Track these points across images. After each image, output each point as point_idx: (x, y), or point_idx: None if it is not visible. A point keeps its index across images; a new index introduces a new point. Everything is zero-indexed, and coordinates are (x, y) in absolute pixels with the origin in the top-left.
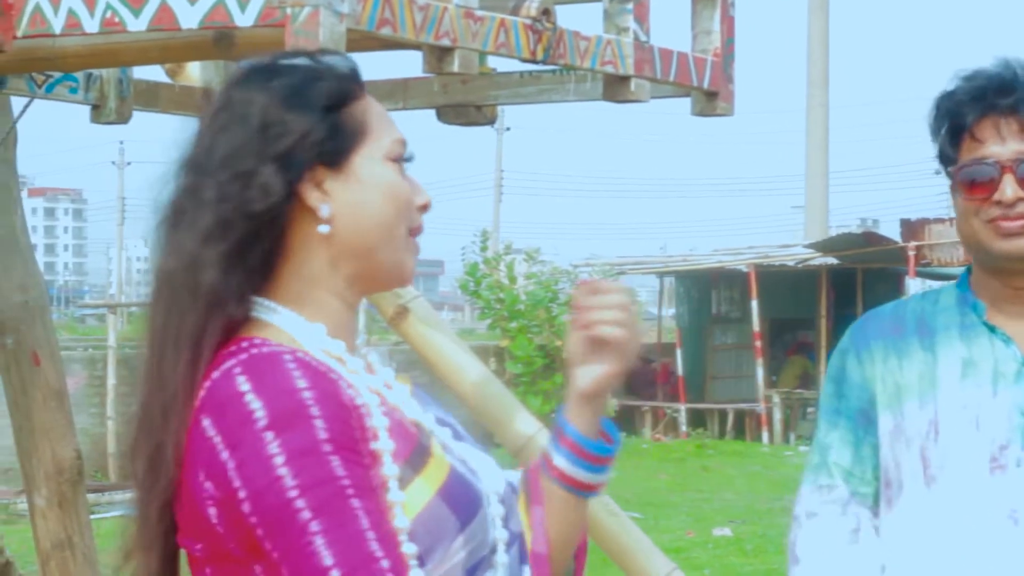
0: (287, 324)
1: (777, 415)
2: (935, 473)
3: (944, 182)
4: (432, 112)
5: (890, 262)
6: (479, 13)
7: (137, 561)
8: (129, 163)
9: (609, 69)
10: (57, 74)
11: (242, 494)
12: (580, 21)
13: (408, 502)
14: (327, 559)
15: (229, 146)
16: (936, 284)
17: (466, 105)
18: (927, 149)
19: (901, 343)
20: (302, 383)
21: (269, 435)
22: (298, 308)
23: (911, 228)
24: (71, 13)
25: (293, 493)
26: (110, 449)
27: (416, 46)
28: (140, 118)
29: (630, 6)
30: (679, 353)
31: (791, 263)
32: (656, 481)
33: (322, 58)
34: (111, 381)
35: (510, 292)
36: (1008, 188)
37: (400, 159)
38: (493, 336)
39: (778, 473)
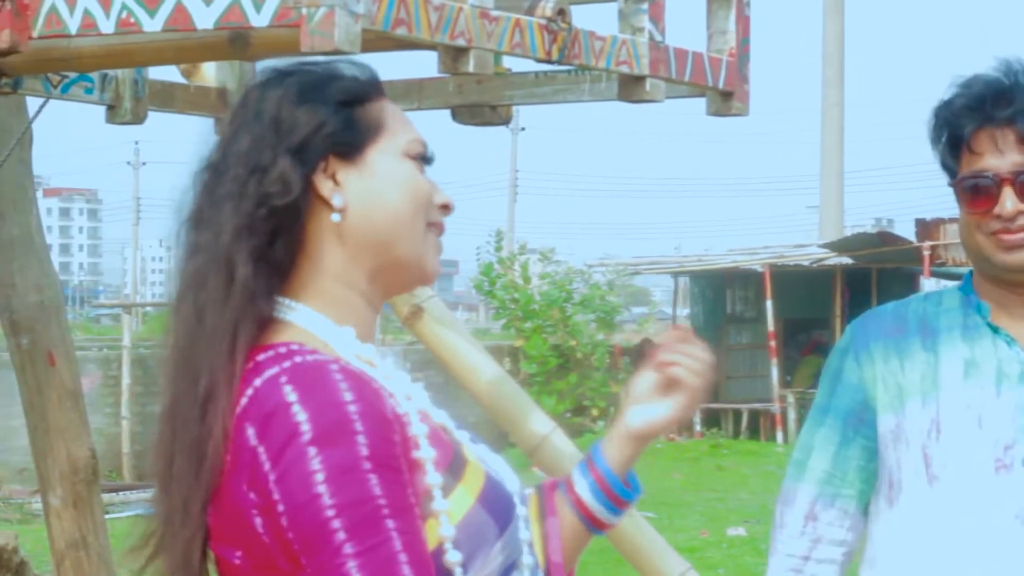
0: (317, 327)
1: (792, 415)
2: (937, 472)
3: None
4: (447, 112)
5: (905, 262)
6: (494, 13)
7: (166, 562)
8: (144, 163)
9: (624, 69)
10: (72, 74)
11: (281, 507)
12: (595, 21)
13: (452, 510)
14: None
15: (245, 142)
16: (951, 284)
17: (481, 105)
18: None
19: (903, 343)
20: (348, 396)
21: (312, 450)
22: (324, 308)
23: (926, 228)
24: (87, 13)
25: (330, 512)
26: (125, 449)
27: (431, 46)
28: (155, 118)
29: (645, 6)
30: None
31: (806, 263)
32: (670, 481)
33: (341, 62)
34: (126, 381)
35: (524, 292)
36: (1008, 202)
37: (418, 157)
38: (507, 336)
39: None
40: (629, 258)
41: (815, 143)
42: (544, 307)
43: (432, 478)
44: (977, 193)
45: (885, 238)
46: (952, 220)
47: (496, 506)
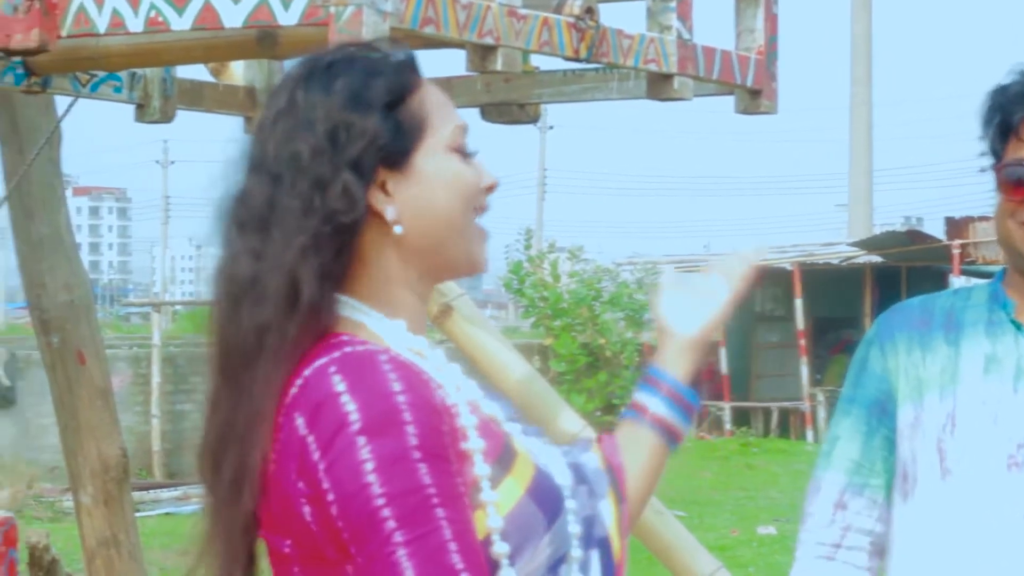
0: (370, 321)
1: (821, 413)
2: (951, 466)
3: (988, 180)
4: (476, 111)
5: (934, 260)
6: (522, 11)
7: (216, 553)
8: (173, 162)
9: (652, 67)
10: (101, 73)
11: (330, 497)
12: (623, 19)
13: (500, 501)
14: (408, 571)
15: (301, 151)
16: (982, 282)
17: (509, 104)
18: (972, 147)
19: (927, 336)
20: (397, 386)
21: (362, 439)
22: (376, 305)
23: (955, 226)
24: (115, 13)
25: (380, 501)
26: (155, 447)
27: (459, 45)
28: (184, 117)
29: (673, 4)
30: (723, 351)
31: (835, 261)
32: (701, 479)
33: (378, 51)
34: (155, 379)
35: (554, 290)
36: None
37: (462, 146)
38: (537, 334)
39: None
40: (658, 256)
41: (844, 141)
42: (573, 305)
43: (481, 469)
44: (1018, 181)
45: (914, 236)
46: (982, 218)
47: (545, 499)
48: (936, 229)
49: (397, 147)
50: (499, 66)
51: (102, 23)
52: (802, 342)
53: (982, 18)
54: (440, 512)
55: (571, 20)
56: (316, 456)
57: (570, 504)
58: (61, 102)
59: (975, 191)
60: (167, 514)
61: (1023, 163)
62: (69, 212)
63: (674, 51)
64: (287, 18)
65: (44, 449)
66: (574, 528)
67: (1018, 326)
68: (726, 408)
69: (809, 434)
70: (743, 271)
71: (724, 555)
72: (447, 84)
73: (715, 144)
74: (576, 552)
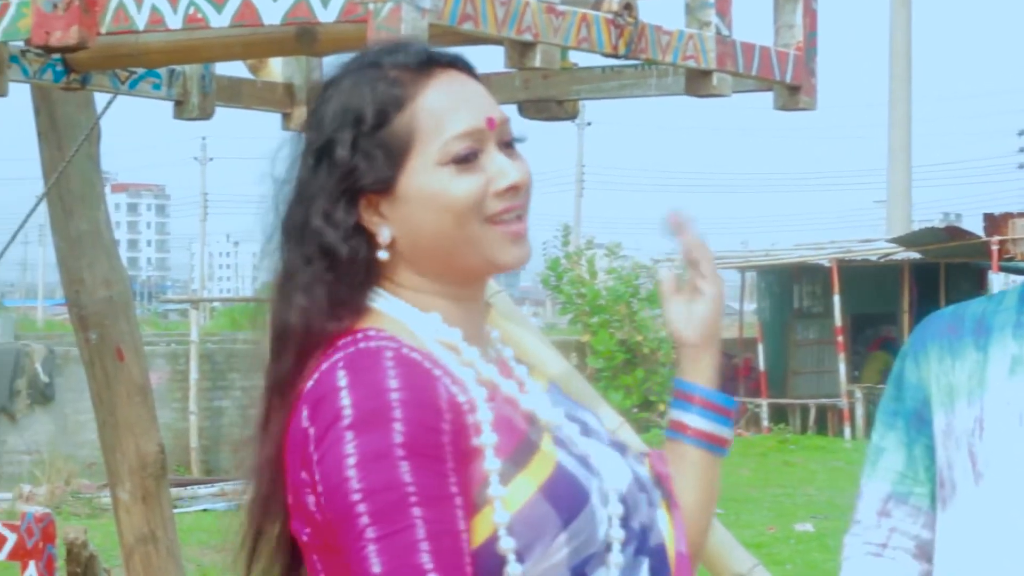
0: (401, 313)
1: (859, 410)
2: (982, 470)
3: None
4: (514, 107)
5: (973, 257)
6: (561, 8)
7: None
8: (211, 159)
9: (691, 63)
10: (140, 70)
11: (320, 488)
12: (662, 15)
13: (509, 497)
14: (375, 567)
15: (303, 179)
16: (1020, 279)
17: (548, 100)
18: (1011, 143)
19: (956, 343)
20: (393, 383)
21: (350, 434)
22: (408, 300)
23: (994, 222)
24: (154, 10)
25: (356, 496)
26: (192, 444)
27: (498, 41)
28: (222, 114)
29: (712, 0)
30: (761, 348)
31: (873, 258)
32: (738, 476)
33: (389, 55)
34: (193, 376)
35: (591, 287)
36: None
37: (459, 156)
38: (574, 331)
39: (860, 468)
40: None
41: (883, 137)
42: (611, 302)
43: (491, 464)
44: None
45: (953, 233)
46: (1021, 215)
47: (562, 498)
48: (975, 225)
49: (378, 175)
50: (537, 63)
51: (141, 20)
52: (840, 339)
53: (1022, 15)
54: (416, 511)
55: (610, 16)
56: (312, 447)
57: (614, 508)
58: (100, 99)
59: (1014, 187)
60: (204, 510)
61: None
62: (108, 209)
63: (713, 47)
64: (326, 15)
65: (82, 445)
66: (616, 532)
67: None
68: (763, 405)
69: (847, 431)
70: (704, 261)
71: (761, 552)
72: (485, 81)
73: (753, 140)
74: (617, 558)
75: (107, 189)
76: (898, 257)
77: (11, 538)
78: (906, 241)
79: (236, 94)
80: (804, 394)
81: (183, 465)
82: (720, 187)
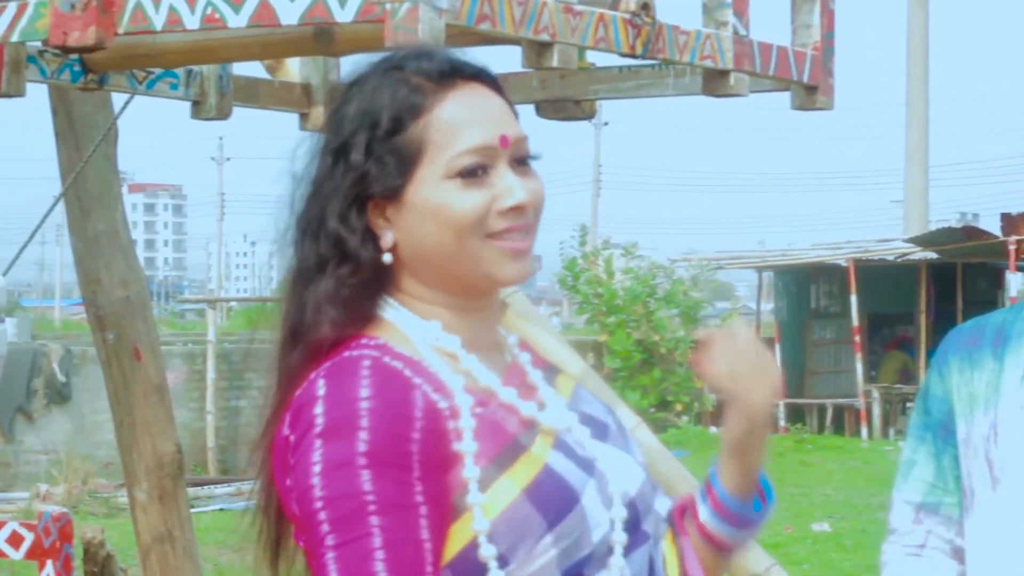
0: (401, 320)
1: (876, 410)
2: (999, 475)
3: None
4: (531, 107)
5: (990, 256)
6: (578, 8)
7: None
8: (228, 159)
9: (708, 63)
10: (158, 70)
11: (294, 495)
12: (679, 15)
13: (489, 503)
14: (332, 574)
15: (320, 177)
16: None
17: (565, 100)
18: None
19: (976, 354)
20: (365, 392)
21: (318, 442)
22: (412, 308)
23: (1011, 222)
24: (172, 10)
25: (318, 504)
26: (209, 443)
27: (515, 41)
28: (239, 114)
29: (729, 0)
30: (778, 348)
31: (890, 257)
32: None
33: (412, 60)
34: (210, 376)
35: (608, 287)
36: None
37: (469, 169)
38: (591, 331)
39: (877, 468)
40: (712, 253)
41: (900, 137)
42: (628, 302)
43: (469, 471)
44: None
45: (970, 232)
46: None
47: (547, 499)
48: (992, 225)
49: (386, 182)
50: (555, 63)
51: (159, 20)
52: (857, 338)
53: None
54: (375, 520)
55: (627, 16)
56: (290, 454)
57: (617, 512)
58: (117, 99)
59: None
60: (221, 510)
61: None
62: (125, 209)
63: (730, 47)
64: (343, 15)
65: (99, 445)
66: (619, 536)
67: None
68: (780, 405)
69: (864, 431)
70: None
71: (778, 552)
72: (502, 81)
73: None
74: (619, 561)
75: (124, 189)
76: (915, 257)
77: (28, 537)
78: (923, 241)
79: (253, 94)
80: (821, 394)
81: (200, 465)
82: (737, 187)
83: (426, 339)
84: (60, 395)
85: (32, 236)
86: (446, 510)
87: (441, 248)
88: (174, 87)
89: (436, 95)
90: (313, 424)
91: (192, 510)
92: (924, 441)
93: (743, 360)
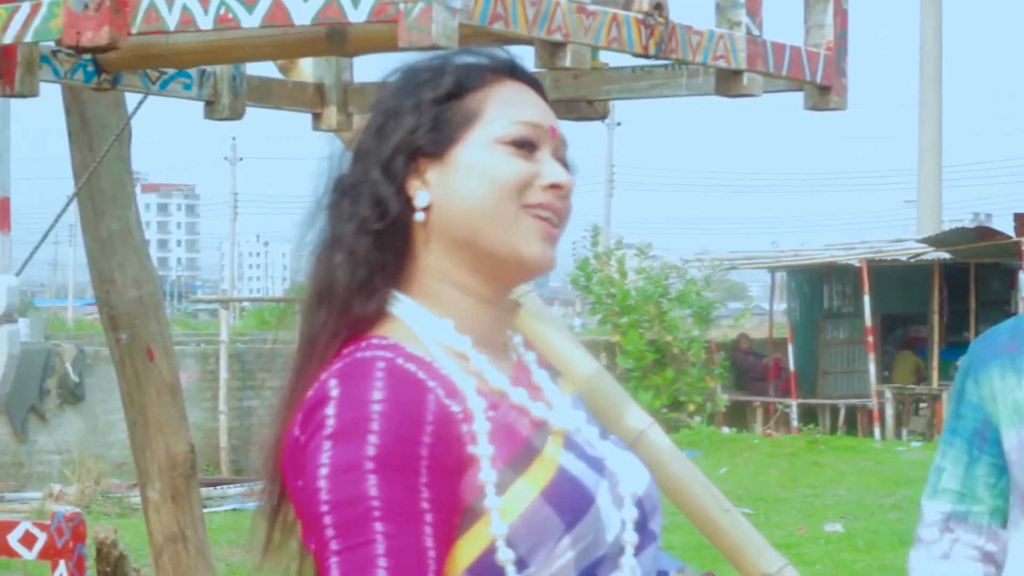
0: (411, 318)
1: (889, 411)
2: None
3: None
4: None
5: (1003, 257)
6: (591, 8)
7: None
8: (241, 159)
9: (721, 63)
10: (171, 71)
11: (303, 496)
12: (692, 15)
13: (507, 507)
14: None
15: (357, 149)
16: None
17: (578, 100)
18: None
19: (1018, 360)
20: (377, 395)
21: (327, 444)
22: (425, 301)
23: None
24: (185, 10)
25: (324, 508)
26: (222, 443)
27: (528, 41)
28: (252, 114)
29: (742, 0)
30: (790, 348)
31: (903, 258)
32: (767, 476)
33: (464, 57)
34: (223, 376)
35: (621, 287)
36: None
37: (520, 141)
38: (604, 331)
39: (890, 469)
40: (725, 253)
41: (913, 137)
42: (640, 302)
43: (486, 475)
44: None
45: (983, 233)
46: None
47: (564, 501)
48: (1005, 225)
49: (436, 138)
50: (568, 63)
51: (172, 20)
52: (870, 339)
53: None
54: (379, 526)
55: (640, 16)
56: (301, 455)
57: (628, 512)
58: (131, 99)
59: None
60: (234, 510)
61: None
62: (138, 209)
63: (743, 47)
64: (356, 15)
65: (112, 445)
66: (630, 536)
67: None
68: (793, 405)
69: (876, 431)
70: None
71: (791, 552)
72: None
73: (784, 140)
74: (630, 561)
75: (137, 189)
76: (928, 257)
77: (41, 537)
78: (936, 241)
79: (267, 94)
80: (834, 394)
81: (213, 465)
82: (750, 187)
83: (437, 338)
84: (73, 395)
85: (45, 236)
86: (456, 516)
87: (478, 209)
88: (187, 87)
89: (497, 77)
90: (323, 425)
91: (205, 510)
92: (952, 446)
93: None
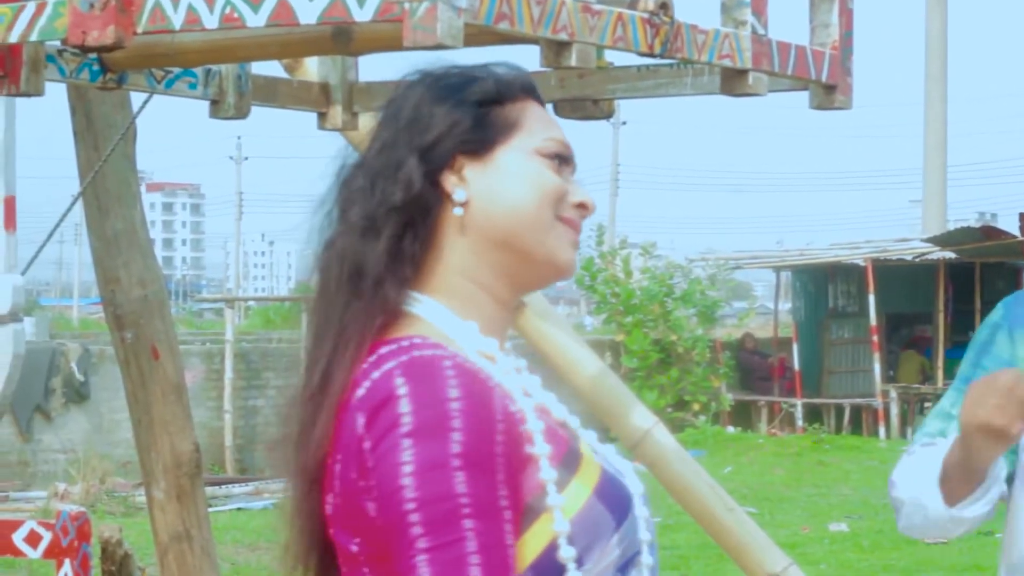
0: (440, 320)
1: (894, 410)
2: None
3: None
4: (550, 107)
5: (1009, 256)
6: (596, 7)
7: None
8: (246, 158)
9: (727, 63)
10: (176, 70)
11: (374, 494)
12: (697, 14)
13: (567, 504)
14: None
15: (382, 140)
16: None
17: (583, 99)
18: None
19: None
20: (454, 392)
21: (407, 442)
22: (449, 302)
23: None
24: (191, 9)
25: (411, 506)
26: (227, 442)
27: (533, 40)
28: (257, 113)
29: None
30: (795, 347)
31: (908, 257)
32: (772, 476)
33: (495, 64)
34: (228, 375)
35: (625, 287)
36: None
37: (554, 156)
38: (608, 331)
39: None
40: (730, 252)
41: (918, 137)
42: (645, 302)
43: (547, 473)
44: None
45: (989, 232)
46: None
47: (612, 499)
48: (1011, 225)
49: (479, 137)
50: (573, 62)
51: (177, 20)
52: (875, 338)
53: None
54: (468, 523)
55: (645, 16)
56: (367, 455)
57: (642, 512)
58: (136, 98)
59: None
60: (239, 509)
61: None
62: (143, 208)
63: (749, 46)
64: (362, 14)
65: (117, 444)
66: (646, 535)
67: None
68: (798, 404)
69: (881, 431)
70: None
71: (795, 552)
72: None
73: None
74: (647, 559)
75: (142, 188)
76: (933, 257)
77: (46, 536)
78: (941, 241)
79: (272, 93)
80: (839, 394)
81: (218, 464)
82: (755, 186)
83: (468, 341)
84: (78, 394)
85: (51, 235)
86: (520, 514)
87: (521, 211)
88: (193, 86)
89: (526, 96)
90: (398, 423)
91: (210, 509)
92: (964, 393)
93: None
